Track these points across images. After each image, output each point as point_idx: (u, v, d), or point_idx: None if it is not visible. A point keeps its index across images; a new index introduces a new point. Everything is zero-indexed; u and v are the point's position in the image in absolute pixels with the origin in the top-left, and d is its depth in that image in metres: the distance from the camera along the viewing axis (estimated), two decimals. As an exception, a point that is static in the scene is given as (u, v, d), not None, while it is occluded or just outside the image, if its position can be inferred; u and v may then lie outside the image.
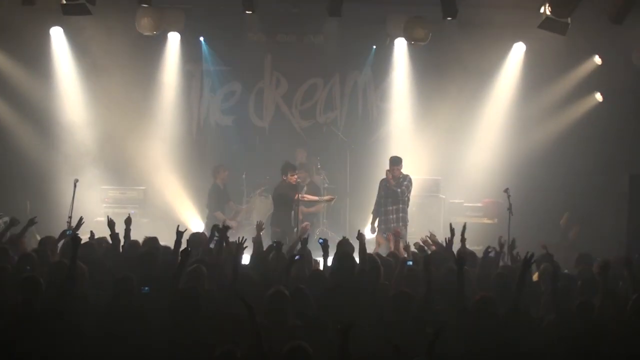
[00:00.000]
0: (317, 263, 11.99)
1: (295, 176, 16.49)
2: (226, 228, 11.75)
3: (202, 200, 18.76)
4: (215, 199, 18.14)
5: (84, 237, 12.30)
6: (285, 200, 16.41)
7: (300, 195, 16.81)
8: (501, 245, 12.39)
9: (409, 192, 16.84)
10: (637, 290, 9.80)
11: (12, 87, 18.82)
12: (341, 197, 19.98)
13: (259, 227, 13.20)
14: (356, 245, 11.98)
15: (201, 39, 20.07)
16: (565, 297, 9.64)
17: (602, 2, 14.90)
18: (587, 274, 10.84)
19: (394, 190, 16.63)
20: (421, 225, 17.14)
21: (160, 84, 19.90)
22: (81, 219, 12.64)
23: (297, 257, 10.40)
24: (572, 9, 14.65)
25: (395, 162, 16.78)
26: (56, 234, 12.45)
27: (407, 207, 16.88)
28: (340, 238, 12.48)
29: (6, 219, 15.42)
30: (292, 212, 16.56)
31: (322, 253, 11.68)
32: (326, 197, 18.25)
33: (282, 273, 9.95)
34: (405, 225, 16.72)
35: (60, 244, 12.03)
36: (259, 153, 19.66)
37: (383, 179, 16.99)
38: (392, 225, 16.41)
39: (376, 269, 10.69)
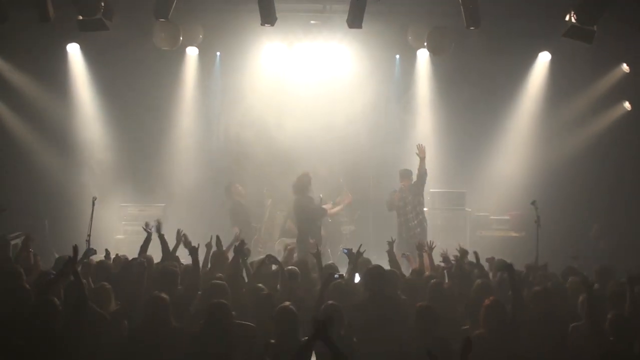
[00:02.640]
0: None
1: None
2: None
3: (224, 216, 18.73)
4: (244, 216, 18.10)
5: (99, 256, 12.43)
6: (318, 214, 16.40)
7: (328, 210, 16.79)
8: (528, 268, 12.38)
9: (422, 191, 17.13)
10: None
11: (29, 105, 18.98)
12: (364, 211, 19.98)
13: (291, 253, 13.34)
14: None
15: (217, 53, 20.22)
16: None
17: (628, 9, 14.81)
18: (617, 288, 10.74)
19: (412, 199, 16.87)
20: (446, 239, 17.08)
21: (179, 99, 20.07)
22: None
23: (336, 276, 10.35)
24: (598, 17, 14.54)
25: (407, 175, 17.11)
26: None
27: (422, 207, 17.19)
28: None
29: (17, 241, 15.54)
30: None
31: (339, 268, 11.76)
32: (346, 200, 17.85)
33: (321, 291, 9.93)
34: (425, 231, 17.01)
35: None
36: (281, 169, 19.53)
37: (393, 192, 17.17)
38: (414, 231, 16.88)
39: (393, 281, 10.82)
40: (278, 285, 11.19)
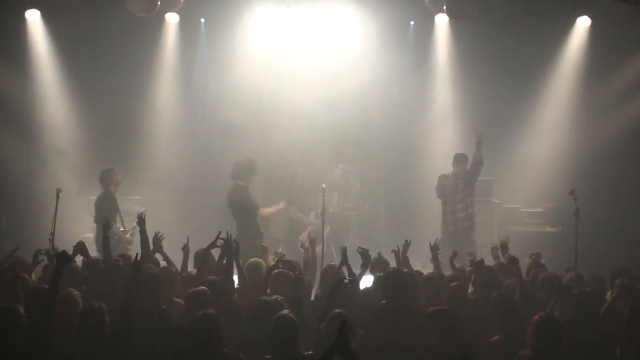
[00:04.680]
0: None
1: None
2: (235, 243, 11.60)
3: (210, 211, 18.57)
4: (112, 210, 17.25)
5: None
6: (255, 208, 16.26)
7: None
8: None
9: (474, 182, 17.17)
10: None
11: (-20, 82, 18.88)
12: (375, 203, 19.87)
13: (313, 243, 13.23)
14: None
15: (201, 20, 20.08)
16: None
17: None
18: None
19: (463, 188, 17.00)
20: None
21: (157, 74, 20.02)
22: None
23: (346, 281, 10.24)
24: (648, -27, 14.46)
25: (463, 160, 17.07)
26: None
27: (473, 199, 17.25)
28: (374, 253, 12.48)
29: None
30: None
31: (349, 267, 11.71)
32: (281, 205, 17.73)
33: (328, 298, 9.79)
34: (473, 226, 17.08)
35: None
36: (278, 153, 19.39)
37: (444, 177, 17.05)
38: (462, 224, 16.92)
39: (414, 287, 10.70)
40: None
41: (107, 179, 17.13)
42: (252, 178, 16.20)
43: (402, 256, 12.58)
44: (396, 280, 10.40)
